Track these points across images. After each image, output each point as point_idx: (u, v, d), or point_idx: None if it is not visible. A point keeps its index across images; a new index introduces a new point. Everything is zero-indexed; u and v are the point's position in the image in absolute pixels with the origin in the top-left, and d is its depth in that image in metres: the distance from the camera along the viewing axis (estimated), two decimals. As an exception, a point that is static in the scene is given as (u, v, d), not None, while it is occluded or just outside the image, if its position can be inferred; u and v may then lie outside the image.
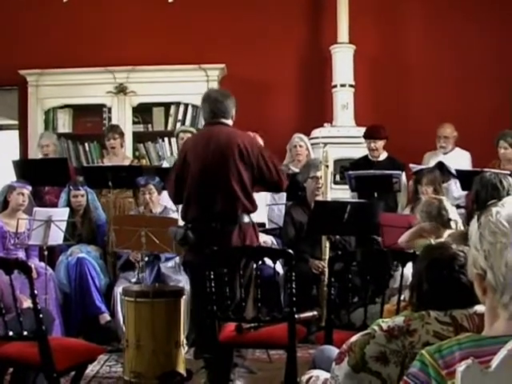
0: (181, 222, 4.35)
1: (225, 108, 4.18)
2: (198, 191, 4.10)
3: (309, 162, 6.03)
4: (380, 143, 6.42)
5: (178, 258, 5.39)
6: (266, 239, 5.53)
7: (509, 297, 1.40)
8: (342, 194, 6.42)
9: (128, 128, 7.10)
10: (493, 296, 1.43)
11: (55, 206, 5.86)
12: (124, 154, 6.78)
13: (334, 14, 7.25)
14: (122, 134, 6.66)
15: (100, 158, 7.07)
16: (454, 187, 6.27)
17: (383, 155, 6.50)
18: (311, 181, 5.73)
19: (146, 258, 5.14)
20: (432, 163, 6.31)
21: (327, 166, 5.42)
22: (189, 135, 6.51)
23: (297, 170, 6.20)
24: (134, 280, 5.36)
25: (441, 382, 1.37)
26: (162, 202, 5.72)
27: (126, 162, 6.54)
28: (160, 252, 5.08)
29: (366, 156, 6.55)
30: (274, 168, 4.15)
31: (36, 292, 3.30)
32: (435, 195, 5.38)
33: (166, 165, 6.45)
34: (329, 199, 5.47)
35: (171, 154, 7.15)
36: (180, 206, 4.49)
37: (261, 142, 4.62)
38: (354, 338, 1.98)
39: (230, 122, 4.24)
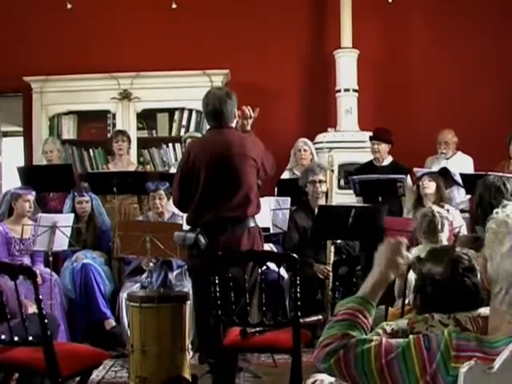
0: (185, 227, 4.35)
1: (226, 111, 4.16)
2: (212, 196, 4.09)
3: (307, 167, 6.03)
4: (384, 146, 6.41)
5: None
6: (265, 247, 5.50)
7: (498, 288, 1.43)
8: (347, 198, 6.42)
9: (132, 134, 7.09)
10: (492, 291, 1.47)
11: (59, 213, 5.84)
12: (129, 159, 6.79)
13: (337, 19, 7.27)
14: (129, 140, 6.69)
15: (105, 164, 7.06)
16: (457, 193, 6.26)
17: (387, 160, 6.49)
18: (309, 185, 5.74)
19: (151, 264, 5.12)
20: (434, 168, 6.30)
21: (332, 171, 5.42)
22: None
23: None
24: (138, 285, 5.37)
25: (446, 360, 1.37)
26: (170, 208, 5.72)
27: (131, 168, 6.55)
28: (165, 257, 5.07)
29: (371, 161, 6.54)
30: (271, 161, 4.33)
31: (41, 297, 3.31)
32: (437, 197, 5.41)
33: (173, 170, 6.44)
34: (333, 203, 5.46)
35: (176, 160, 7.15)
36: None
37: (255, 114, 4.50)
38: (357, 341, 1.98)
39: (233, 123, 4.25)
